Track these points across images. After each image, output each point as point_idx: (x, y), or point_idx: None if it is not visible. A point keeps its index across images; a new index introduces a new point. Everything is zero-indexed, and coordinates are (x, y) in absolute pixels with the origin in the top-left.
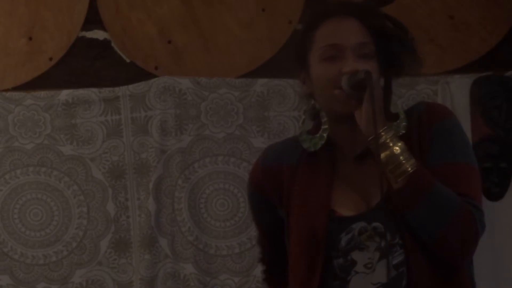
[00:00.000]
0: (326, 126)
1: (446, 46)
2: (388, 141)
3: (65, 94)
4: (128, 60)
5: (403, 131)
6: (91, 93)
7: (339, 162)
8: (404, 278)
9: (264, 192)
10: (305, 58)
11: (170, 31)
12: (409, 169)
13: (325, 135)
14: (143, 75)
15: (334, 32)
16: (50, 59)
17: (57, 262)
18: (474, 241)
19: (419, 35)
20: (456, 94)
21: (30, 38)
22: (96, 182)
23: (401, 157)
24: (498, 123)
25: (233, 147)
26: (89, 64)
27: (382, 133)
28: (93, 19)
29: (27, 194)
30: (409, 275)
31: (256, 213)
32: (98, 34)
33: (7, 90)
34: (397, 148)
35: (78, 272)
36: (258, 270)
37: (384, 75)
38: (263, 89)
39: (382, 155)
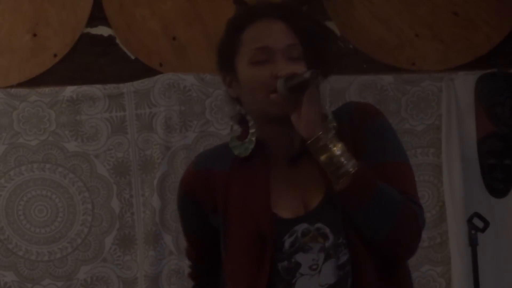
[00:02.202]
0: (253, 130)
1: (451, 43)
2: (328, 142)
3: (69, 91)
4: (132, 57)
5: (334, 131)
6: (95, 89)
7: (274, 165)
8: (349, 277)
9: (195, 197)
10: (231, 61)
11: (175, 27)
12: (351, 169)
13: (253, 139)
14: (147, 71)
15: (263, 35)
16: (55, 55)
17: (61, 258)
18: (417, 237)
19: (424, 32)
20: (460, 91)
21: (35, 35)
22: (101, 179)
23: (341, 158)
24: (503, 119)
25: None
26: (93, 60)
27: (321, 135)
28: (97, 16)
29: (31, 190)
30: (354, 274)
31: (186, 221)
32: (102, 31)
33: (11, 86)
34: (337, 149)
35: (83, 269)
36: None
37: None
38: None
39: (323, 157)
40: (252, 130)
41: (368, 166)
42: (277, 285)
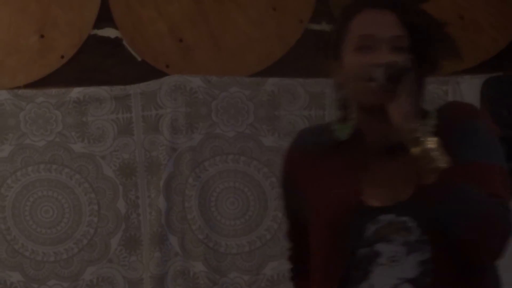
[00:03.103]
0: (354, 116)
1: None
2: (421, 135)
3: (76, 92)
4: (139, 58)
5: (433, 129)
6: (102, 91)
7: (370, 154)
8: (429, 275)
9: (293, 176)
10: (338, 48)
11: (181, 29)
12: (441, 165)
13: (351, 124)
14: (154, 73)
15: (369, 23)
16: (62, 56)
17: (67, 259)
18: (502, 241)
19: None
20: (466, 94)
21: (42, 36)
22: (107, 180)
23: (434, 153)
24: (508, 123)
25: (244, 145)
26: (100, 62)
27: (417, 128)
28: (104, 17)
29: (38, 191)
30: (435, 272)
31: (286, 199)
32: (109, 32)
33: (18, 87)
34: (430, 143)
35: (89, 270)
36: (268, 269)
37: (417, 71)
38: (273, 88)
39: (415, 150)
40: (352, 116)
41: (460, 165)
42: (354, 271)
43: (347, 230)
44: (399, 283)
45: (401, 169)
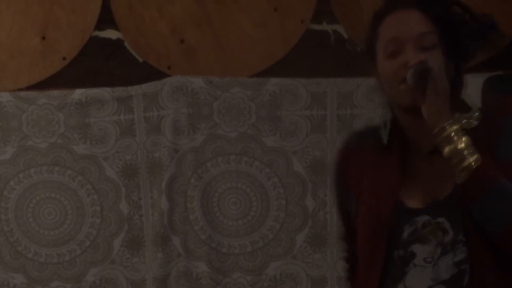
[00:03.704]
0: (391, 119)
1: None
2: (452, 134)
3: (78, 93)
4: (141, 60)
5: (476, 123)
6: (104, 92)
7: (412, 155)
8: (466, 276)
9: (346, 178)
10: (373, 53)
11: (183, 30)
12: (473, 163)
13: (388, 126)
14: (156, 74)
15: (395, 26)
16: (64, 58)
17: (70, 260)
18: None
19: None
20: (467, 93)
21: (44, 38)
22: (109, 181)
23: (465, 152)
24: None
25: (246, 146)
26: (102, 63)
27: (447, 127)
28: (106, 19)
29: (40, 193)
30: (472, 273)
31: (339, 198)
32: (111, 34)
33: (20, 89)
34: (461, 142)
35: (92, 271)
36: (271, 269)
37: (453, 63)
38: (275, 89)
39: (446, 149)
40: (390, 119)
41: (498, 162)
42: (391, 271)
43: (385, 230)
44: (434, 284)
45: (439, 170)
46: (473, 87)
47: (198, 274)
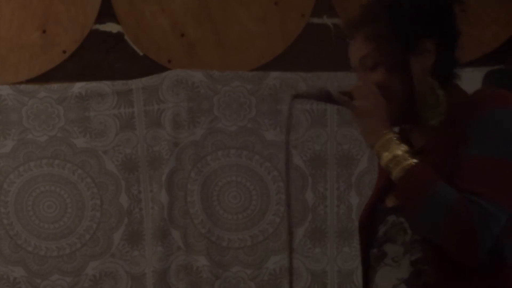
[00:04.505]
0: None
1: None
2: (381, 151)
3: (78, 87)
4: (141, 53)
5: (441, 118)
6: (104, 86)
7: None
8: (423, 275)
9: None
10: None
11: (183, 24)
12: (398, 175)
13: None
14: (156, 68)
15: (349, 56)
16: (64, 52)
17: (70, 254)
18: (473, 241)
19: None
20: (467, 87)
21: (44, 31)
22: (109, 175)
23: (391, 164)
24: None
25: (246, 140)
26: (102, 57)
27: (375, 145)
28: (106, 12)
29: (40, 186)
30: (429, 272)
31: None
32: (111, 27)
33: (20, 82)
34: (388, 154)
35: (91, 264)
36: (270, 263)
37: (420, 57)
38: (275, 82)
39: (380, 161)
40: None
41: (463, 157)
42: (369, 270)
43: (366, 230)
44: (398, 283)
45: None
46: (474, 81)
47: (198, 268)
